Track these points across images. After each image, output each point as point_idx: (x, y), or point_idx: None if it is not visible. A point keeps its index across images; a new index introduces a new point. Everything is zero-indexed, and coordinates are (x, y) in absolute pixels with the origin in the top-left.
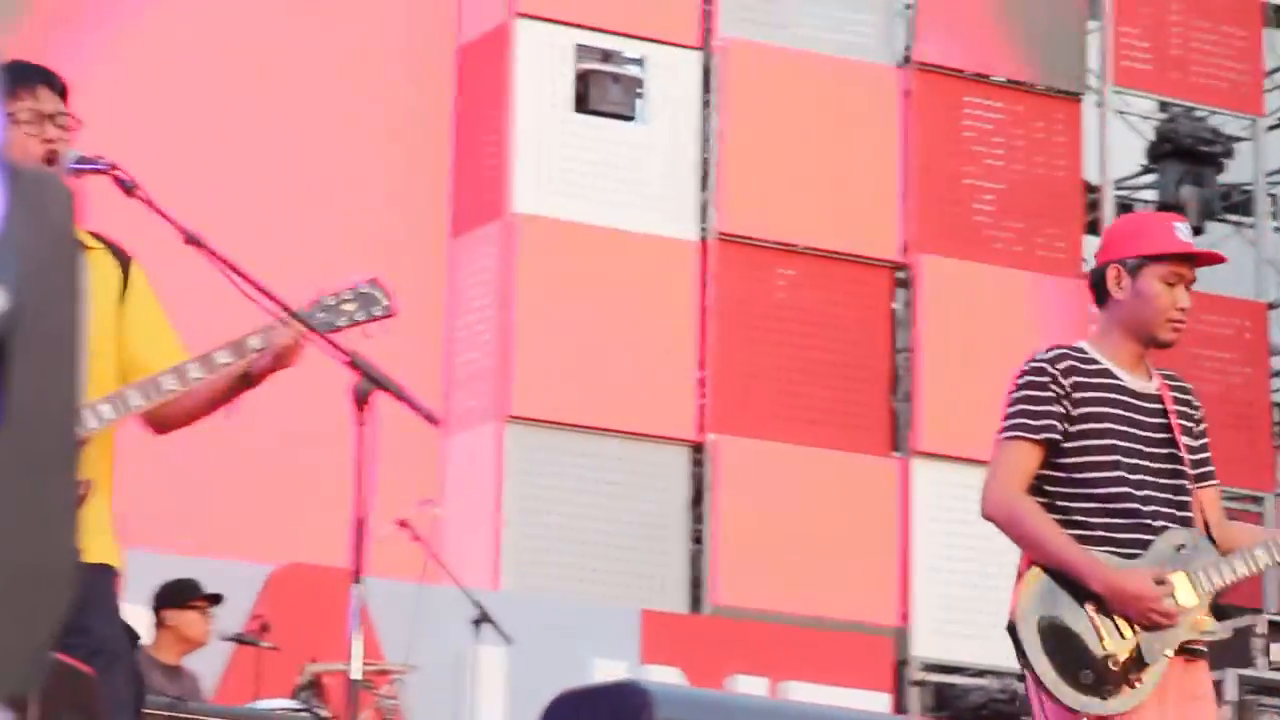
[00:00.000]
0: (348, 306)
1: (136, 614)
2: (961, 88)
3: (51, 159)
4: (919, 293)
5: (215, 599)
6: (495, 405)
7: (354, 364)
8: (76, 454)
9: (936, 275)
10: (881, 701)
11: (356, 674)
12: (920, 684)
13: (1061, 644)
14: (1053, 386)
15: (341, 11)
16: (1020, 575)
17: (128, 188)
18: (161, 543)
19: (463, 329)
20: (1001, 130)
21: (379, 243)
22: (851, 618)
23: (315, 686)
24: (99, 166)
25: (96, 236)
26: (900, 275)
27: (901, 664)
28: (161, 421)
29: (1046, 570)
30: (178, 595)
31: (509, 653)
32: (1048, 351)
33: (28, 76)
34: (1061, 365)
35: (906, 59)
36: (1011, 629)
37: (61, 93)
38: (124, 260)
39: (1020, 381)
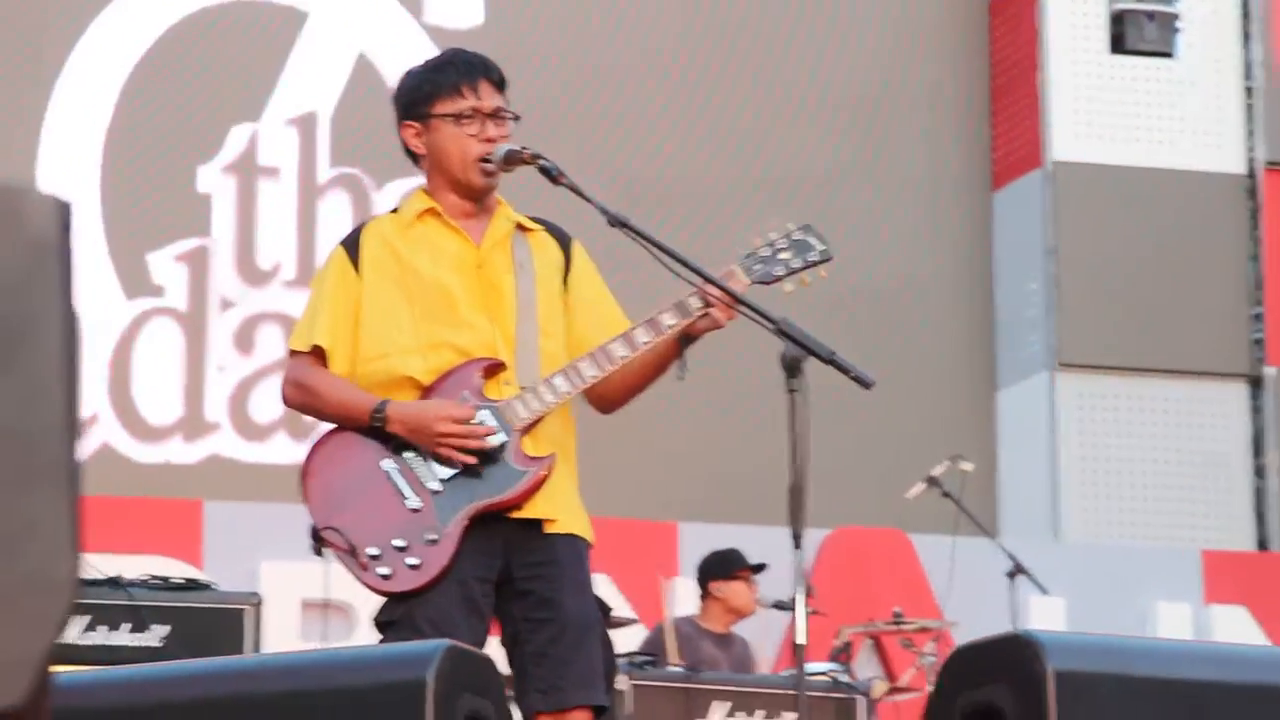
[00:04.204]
0: (783, 255)
1: (688, 586)
2: None
3: (488, 160)
4: None
5: (759, 568)
6: (1045, 355)
7: (783, 332)
8: (74, 465)
9: None
10: None
11: (801, 638)
12: None
13: None
14: None
15: None
16: None
17: (552, 175)
18: (710, 514)
19: (1009, 280)
20: None
21: (922, 200)
22: None
23: (849, 649)
24: (525, 157)
25: (537, 220)
26: None
27: None
28: (610, 397)
29: None
30: (724, 566)
31: (1067, 603)
32: None
33: (471, 71)
34: None
35: None
36: None
37: (501, 85)
38: (564, 240)
39: None
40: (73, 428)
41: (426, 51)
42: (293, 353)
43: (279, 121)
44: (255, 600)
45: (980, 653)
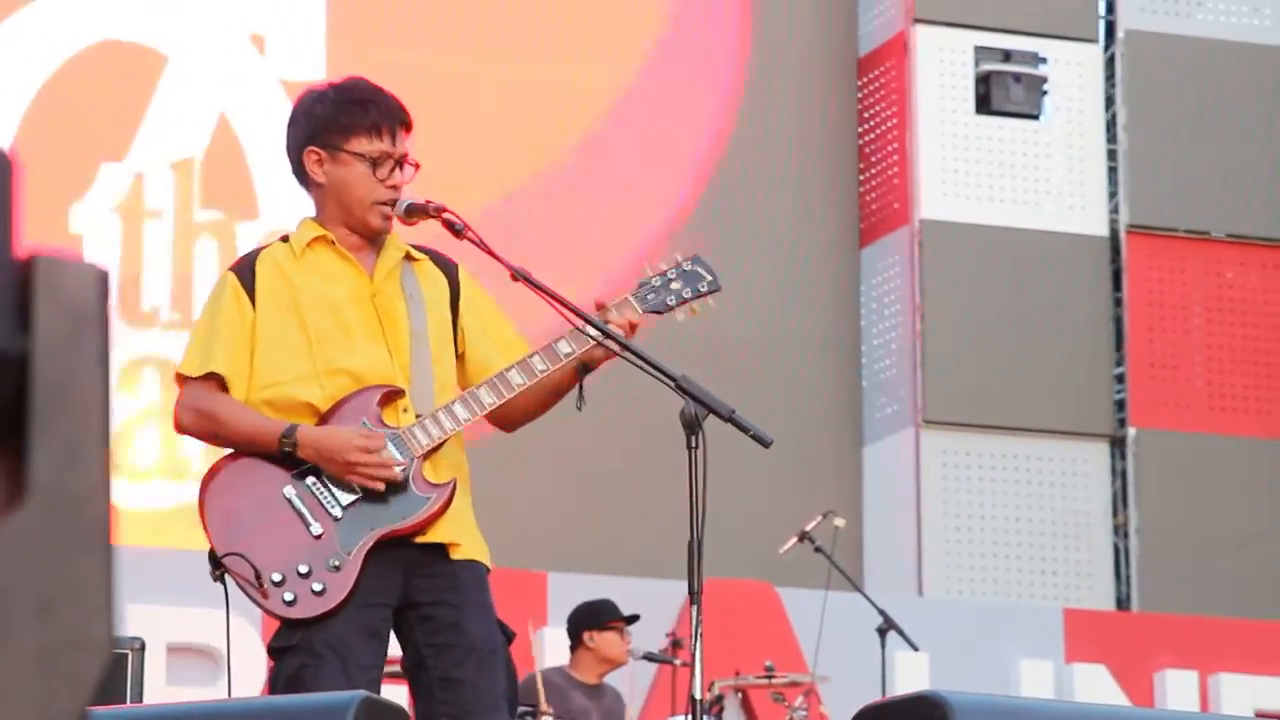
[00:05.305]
0: (674, 285)
1: (556, 636)
2: None
3: (390, 205)
4: None
5: (632, 619)
6: (911, 411)
7: (682, 389)
8: (110, 529)
9: None
10: None
11: (697, 692)
12: None
13: None
14: None
15: (742, 30)
16: None
17: (457, 230)
18: (579, 564)
19: (875, 337)
20: None
21: (790, 255)
22: None
23: (720, 702)
24: (429, 210)
25: (420, 249)
26: None
27: None
28: (509, 418)
29: None
30: (596, 617)
31: (931, 659)
32: None
33: (390, 115)
34: None
35: None
36: None
37: (410, 130)
38: (449, 269)
39: None
40: (109, 489)
41: (279, 100)
42: (184, 378)
43: (156, 163)
44: (137, 644)
45: (887, 713)
